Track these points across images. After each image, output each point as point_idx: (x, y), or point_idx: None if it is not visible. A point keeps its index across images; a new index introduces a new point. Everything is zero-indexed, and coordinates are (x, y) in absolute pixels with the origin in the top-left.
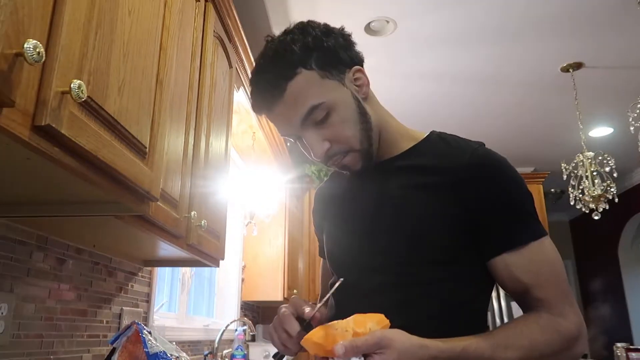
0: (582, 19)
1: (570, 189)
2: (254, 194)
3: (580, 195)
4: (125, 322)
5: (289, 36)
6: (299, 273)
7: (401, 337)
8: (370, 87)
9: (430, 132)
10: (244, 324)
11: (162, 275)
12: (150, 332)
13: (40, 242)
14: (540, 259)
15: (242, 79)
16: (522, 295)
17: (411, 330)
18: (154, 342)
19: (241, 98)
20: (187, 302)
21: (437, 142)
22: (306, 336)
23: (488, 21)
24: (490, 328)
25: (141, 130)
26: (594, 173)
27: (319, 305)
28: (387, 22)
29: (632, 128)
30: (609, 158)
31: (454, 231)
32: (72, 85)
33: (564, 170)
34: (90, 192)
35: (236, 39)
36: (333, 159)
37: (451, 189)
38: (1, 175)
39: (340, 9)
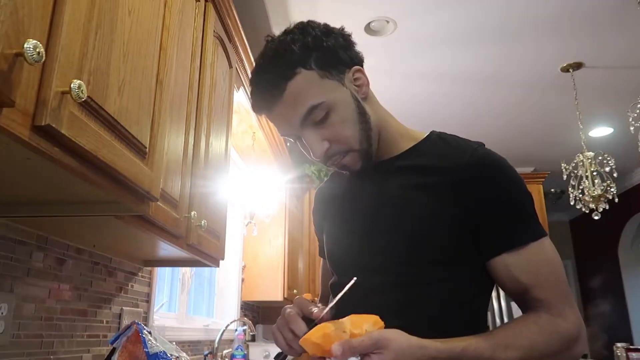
0: (582, 19)
1: (570, 189)
2: (254, 194)
3: (580, 195)
4: (125, 322)
5: (288, 36)
6: (299, 273)
7: (399, 337)
8: (370, 87)
9: (430, 132)
10: (244, 324)
11: (162, 275)
12: (150, 332)
13: (40, 242)
14: (540, 260)
15: (242, 79)
16: (521, 296)
17: (411, 331)
18: (154, 342)
19: (241, 98)
20: (187, 302)
21: (437, 142)
22: (305, 336)
23: (488, 21)
24: (490, 328)
25: (141, 130)
26: (594, 173)
27: (330, 305)
28: (387, 22)
29: (632, 128)
30: (609, 158)
31: (453, 231)
32: (72, 85)
33: (564, 170)
34: (90, 192)
35: (236, 39)
36: (332, 159)
37: (451, 189)
38: (1, 175)
39: (340, 9)
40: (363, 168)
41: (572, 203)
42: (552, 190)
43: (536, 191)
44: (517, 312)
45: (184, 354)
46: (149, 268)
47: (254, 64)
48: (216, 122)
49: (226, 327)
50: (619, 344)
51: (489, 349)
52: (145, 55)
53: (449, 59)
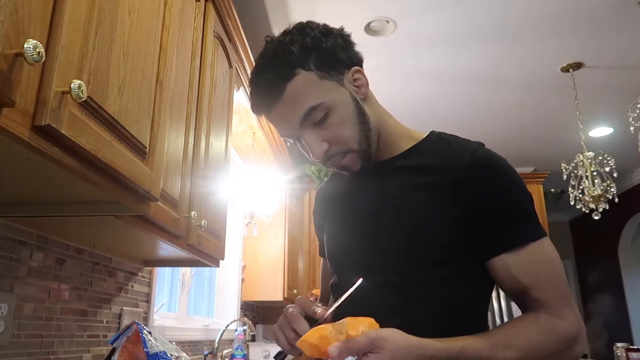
0: (582, 19)
1: (570, 189)
2: (254, 194)
3: (580, 195)
4: (125, 322)
5: (287, 37)
6: (299, 273)
7: (396, 337)
8: (370, 87)
9: (430, 132)
10: (244, 324)
11: (162, 275)
12: (150, 332)
13: (40, 242)
14: (539, 260)
15: (242, 79)
16: (521, 296)
17: (411, 331)
18: (154, 342)
19: (241, 98)
20: (187, 302)
21: (437, 142)
22: (302, 337)
23: (488, 21)
24: (491, 328)
25: (141, 130)
26: (594, 173)
27: (335, 305)
28: (387, 22)
29: (632, 128)
30: (609, 158)
31: (453, 231)
32: (72, 85)
33: (564, 170)
34: (90, 192)
35: (236, 39)
36: (332, 160)
37: (451, 189)
38: (1, 175)
39: (340, 9)
40: (362, 169)
41: (572, 203)
42: (552, 190)
43: (536, 191)
44: (517, 312)
45: (184, 354)
46: (149, 268)
47: (254, 64)
48: (216, 122)
49: (226, 327)
50: (619, 344)
51: (488, 349)
52: (145, 55)
53: (449, 59)
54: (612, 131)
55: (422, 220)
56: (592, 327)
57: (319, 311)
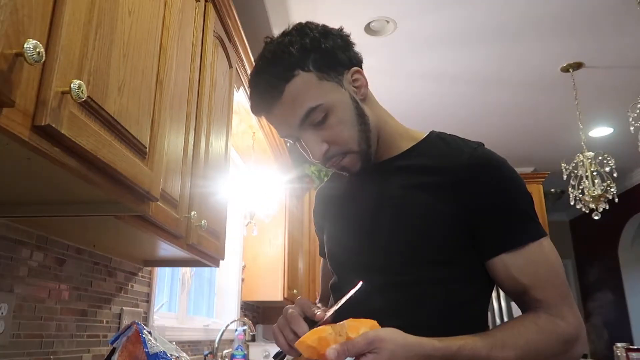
0: (582, 19)
1: (570, 189)
2: (254, 194)
3: (580, 195)
4: (125, 322)
5: (286, 38)
6: (299, 273)
7: (394, 336)
8: (370, 87)
9: (430, 132)
10: (244, 324)
11: (162, 275)
12: (150, 332)
13: (40, 242)
14: (539, 260)
15: (242, 79)
16: (520, 296)
17: (411, 331)
18: (154, 342)
19: (241, 98)
20: (187, 302)
21: (437, 142)
22: (301, 339)
23: (488, 21)
24: (491, 328)
25: (141, 130)
26: (594, 173)
27: (335, 307)
28: (387, 22)
29: (632, 128)
30: (609, 158)
31: (453, 231)
32: (72, 85)
33: (564, 170)
34: (90, 192)
35: (236, 39)
36: (331, 161)
37: (451, 189)
38: (1, 175)
39: (340, 9)
40: (362, 169)
41: (572, 203)
42: (552, 190)
43: (536, 191)
44: (517, 312)
45: (184, 354)
46: (149, 268)
47: (253, 65)
48: (216, 122)
49: (226, 327)
50: (619, 344)
51: (486, 348)
52: (145, 55)
53: (449, 59)
54: (612, 131)
55: (422, 220)
56: (592, 327)
57: (318, 313)
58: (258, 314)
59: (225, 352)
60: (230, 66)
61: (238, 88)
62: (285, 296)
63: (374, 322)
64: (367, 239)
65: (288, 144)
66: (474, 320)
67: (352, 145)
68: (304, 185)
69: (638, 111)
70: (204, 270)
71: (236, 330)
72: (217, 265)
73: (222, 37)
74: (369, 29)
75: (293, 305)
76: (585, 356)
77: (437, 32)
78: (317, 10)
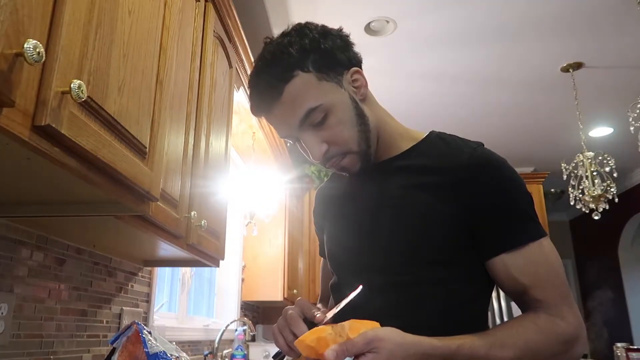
0: (582, 19)
1: (570, 189)
2: (254, 194)
3: (580, 195)
4: (125, 322)
5: (286, 38)
6: (299, 273)
7: (393, 335)
8: (370, 87)
9: (430, 132)
10: (244, 324)
11: (162, 275)
12: (150, 332)
13: (40, 242)
14: (539, 260)
15: (242, 79)
16: (520, 296)
17: (411, 331)
18: (154, 342)
19: (241, 98)
20: (187, 302)
21: (437, 142)
22: (300, 338)
23: (488, 21)
24: (490, 328)
25: (141, 130)
26: (594, 173)
27: (335, 311)
28: (387, 22)
29: (632, 128)
30: (609, 158)
31: (453, 231)
32: (72, 85)
33: (564, 170)
34: (90, 192)
35: (236, 39)
36: (331, 161)
37: (451, 189)
38: (1, 175)
39: (340, 9)
40: (362, 170)
41: (572, 203)
42: (552, 190)
43: (536, 191)
44: (517, 312)
45: (184, 354)
46: (149, 268)
47: (253, 65)
48: (216, 122)
49: (226, 327)
50: (619, 344)
51: (485, 347)
52: (145, 55)
53: (449, 59)
54: (612, 131)
55: (422, 220)
56: (592, 327)
57: (318, 315)
58: (258, 314)
59: (225, 352)
60: (230, 66)
61: (238, 88)
62: (285, 296)
63: (375, 324)
64: (367, 239)
65: (288, 144)
66: (474, 320)
67: (351, 145)
68: (304, 185)
69: (638, 111)
70: (204, 270)
71: (236, 330)
72: (217, 265)
73: (222, 37)
74: (369, 29)
75: (293, 307)
76: (585, 356)
77: (437, 32)
78: (317, 10)
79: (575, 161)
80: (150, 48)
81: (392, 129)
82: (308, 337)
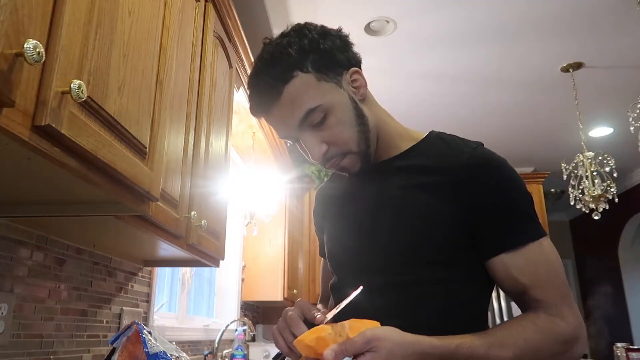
0: (582, 19)
1: (570, 189)
2: (254, 194)
3: (580, 195)
4: (125, 322)
5: (285, 39)
6: (299, 273)
7: (392, 335)
8: (370, 87)
9: (430, 132)
10: (244, 324)
11: (162, 275)
12: (150, 332)
13: (40, 242)
14: (539, 260)
15: (242, 79)
16: (520, 296)
17: (411, 331)
18: (154, 342)
19: (241, 98)
20: (187, 302)
21: (436, 142)
22: (299, 338)
23: (488, 21)
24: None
25: (141, 130)
26: (594, 173)
27: (335, 311)
28: (387, 22)
29: (632, 128)
30: (609, 158)
31: (453, 231)
32: (72, 85)
33: (564, 170)
34: (90, 192)
35: (236, 39)
36: (331, 161)
37: (450, 189)
38: (1, 175)
39: (340, 9)
40: (362, 170)
41: (572, 203)
42: (552, 190)
43: (536, 191)
44: (517, 312)
45: (184, 354)
46: (149, 268)
47: (253, 65)
48: (216, 122)
49: (226, 327)
50: (619, 344)
51: (484, 347)
52: (145, 55)
53: (449, 59)
54: (612, 131)
55: (422, 220)
56: (592, 327)
57: (318, 316)
58: (258, 314)
59: (225, 352)
60: (230, 66)
61: (238, 88)
62: (285, 296)
63: (376, 323)
64: (367, 239)
65: (288, 144)
66: (474, 320)
67: (351, 145)
68: (304, 185)
69: (638, 111)
70: (204, 270)
71: (236, 330)
72: (217, 265)
73: (222, 37)
74: (369, 29)
75: (293, 308)
76: (585, 356)
77: (437, 32)
78: (317, 10)
79: (575, 161)
80: (150, 48)
81: (392, 129)
82: (307, 337)
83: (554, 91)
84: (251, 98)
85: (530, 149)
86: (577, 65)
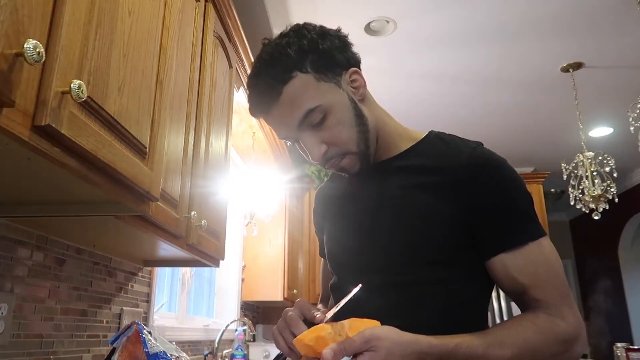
0: (582, 19)
1: (570, 189)
2: (254, 194)
3: (580, 195)
4: (125, 322)
5: (284, 39)
6: (299, 273)
7: (391, 334)
8: (370, 87)
9: (429, 132)
10: (244, 324)
11: (162, 275)
12: (150, 332)
13: (40, 242)
14: (538, 260)
15: (242, 79)
16: (520, 296)
17: (411, 331)
18: (154, 342)
19: (241, 98)
20: (187, 302)
21: (436, 142)
22: (298, 337)
23: (488, 21)
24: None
25: (141, 130)
26: (594, 173)
27: (334, 310)
28: (387, 22)
29: (632, 128)
30: (609, 158)
31: (453, 231)
32: (72, 85)
33: (564, 170)
34: (90, 192)
35: (236, 39)
36: (330, 162)
37: (450, 188)
38: (1, 175)
39: (340, 9)
40: (361, 170)
41: (572, 203)
42: (552, 190)
43: (536, 191)
44: (517, 312)
45: (184, 354)
46: (149, 268)
47: (252, 66)
48: (216, 122)
49: (226, 327)
50: (619, 344)
51: (483, 346)
52: (145, 55)
53: (449, 59)
54: (612, 131)
55: (422, 220)
56: (592, 327)
57: (318, 315)
58: (258, 314)
59: (225, 352)
60: (230, 66)
61: (238, 88)
62: (285, 296)
63: (376, 322)
64: (367, 239)
65: (288, 144)
66: (474, 320)
67: (351, 146)
68: (304, 185)
69: (638, 111)
70: (204, 270)
71: (236, 330)
72: (217, 265)
73: (222, 37)
74: (369, 29)
75: (292, 308)
76: (585, 356)
77: (437, 32)
78: (317, 10)
79: (575, 161)
80: (150, 48)
81: (391, 129)
82: (307, 336)
83: (554, 91)
84: (250, 99)
85: (530, 149)
86: (577, 65)
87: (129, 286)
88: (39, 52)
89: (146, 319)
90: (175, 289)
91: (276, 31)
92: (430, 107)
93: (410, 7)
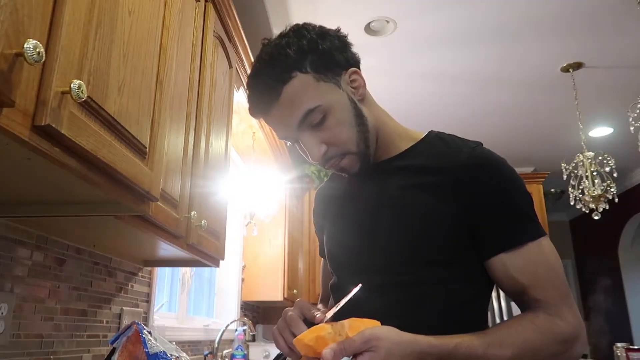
0: (582, 19)
1: (570, 189)
2: (254, 194)
3: (580, 195)
4: (125, 322)
5: (284, 39)
6: (299, 273)
7: (390, 334)
8: (370, 87)
9: (429, 132)
10: (244, 324)
11: (162, 275)
12: (150, 332)
13: (40, 242)
14: (538, 259)
15: (242, 79)
16: (520, 296)
17: (411, 331)
18: (154, 342)
19: (241, 98)
20: (187, 302)
21: (436, 142)
22: (298, 337)
23: (488, 21)
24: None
25: (141, 130)
26: (594, 173)
27: (334, 310)
28: (387, 22)
29: (632, 128)
30: (609, 158)
31: (453, 231)
32: (72, 85)
33: (564, 170)
34: (90, 192)
35: (236, 39)
36: (330, 162)
37: (450, 188)
38: (1, 175)
39: (340, 9)
40: (361, 170)
41: (572, 203)
42: (552, 190)
43: (536, 191)
44: (517, 312)
45: (184, 354)
46: (149, 268)
47: (252, 66)
48: (216, 122)
49: (226, 327)
50: (619, 344)
51: (483, 346)
52: (145, 55)
53: (449, 59)
54: (612, 131)
55: (422, 220)
56: (592, 327)
57: (318, 315)
58: (258, 314)
59: (225, 352)
60: (230, 66)
61: (238, 88)
62: (285, 296)
63: (376, 322)
64: (367, 239)
65: (288, 144)
66: (474, 320)
67: (350, 146)
68: (304, 185)
69: (638, 111)
70: (204, 270)
71: (236, 330)
72: (217, 265)
73: (222, 37)
74: (369, 29)
75: (292, 308)
76: (585, 356)
77: (437, 32)
78: (317, 10)
79: (575, 161)
80: (150, 48)
81: (391, 129)
82: (307, 336)
83: (554, 91)
84: (250, 99)
85: (530, 149)
86: (577, 65)
87: (129, 286)
88: (39, 52)
89: (146, 319)
90: (175, 289)
91: (276, 31)
92: (430, 107)
93: (410, 7)
